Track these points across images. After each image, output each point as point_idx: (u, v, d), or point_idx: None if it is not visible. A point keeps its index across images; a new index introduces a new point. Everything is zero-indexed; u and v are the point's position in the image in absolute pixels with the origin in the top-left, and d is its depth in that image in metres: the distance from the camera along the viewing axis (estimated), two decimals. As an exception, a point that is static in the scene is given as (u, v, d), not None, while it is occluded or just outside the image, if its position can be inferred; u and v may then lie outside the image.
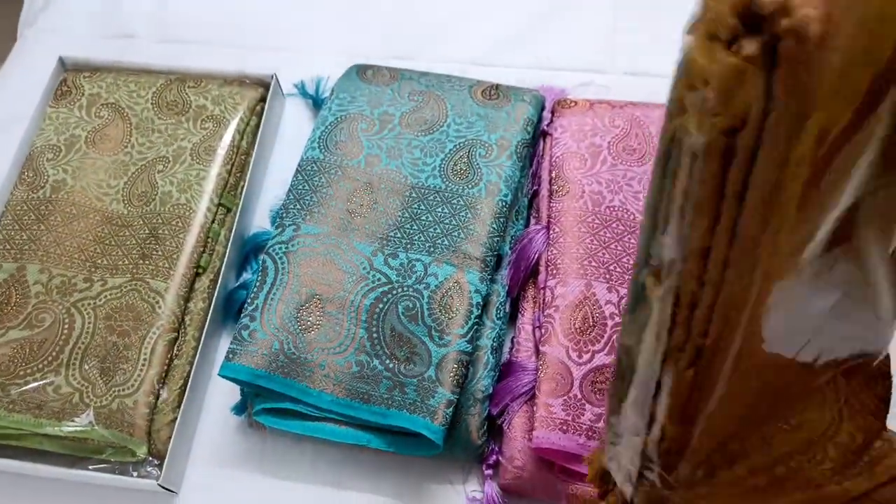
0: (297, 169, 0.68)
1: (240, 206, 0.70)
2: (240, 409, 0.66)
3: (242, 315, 0.62)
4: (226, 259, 0.68)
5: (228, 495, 0.65)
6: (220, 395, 0.68)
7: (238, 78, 0.75)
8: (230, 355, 0.60)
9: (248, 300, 0.63)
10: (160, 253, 0.67)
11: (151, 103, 0.73)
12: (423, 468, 0.65)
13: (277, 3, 0.85)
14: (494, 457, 0.64)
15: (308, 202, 0.66)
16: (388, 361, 0.61)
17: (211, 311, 0.66)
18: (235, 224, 0.69)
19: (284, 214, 0.66)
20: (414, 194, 0.67)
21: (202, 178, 0.70)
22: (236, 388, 0.65)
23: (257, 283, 0.63)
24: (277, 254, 0.64)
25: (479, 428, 0.62)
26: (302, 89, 0.78)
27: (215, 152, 0.71)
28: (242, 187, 0.71)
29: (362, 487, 0.65)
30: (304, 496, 0.64)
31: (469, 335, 0.61)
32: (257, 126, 0.74)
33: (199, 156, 0.71)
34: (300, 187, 0.67)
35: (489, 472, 0.64)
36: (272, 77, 0.75)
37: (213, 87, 0.74)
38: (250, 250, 0.72)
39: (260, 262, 0.65)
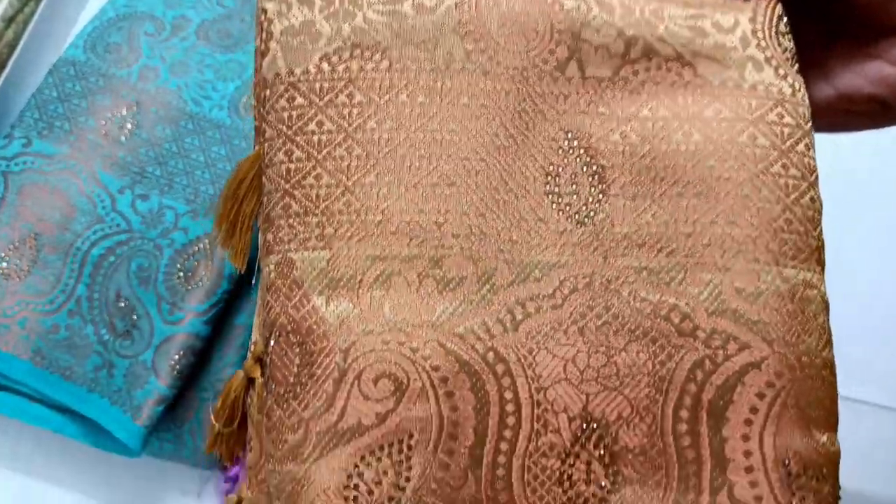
0: (49, 70, 0.53)
1: (-16, 108, 0.55)
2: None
3: (-77, 245, 0.48)
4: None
5: None
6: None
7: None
8: None
9: (-59, 226, 0.49)
10: None
11: None
12: (153, 467, 0.52)
13: None
14: (237, 469, 0.50)
15: (51, 112, 0.52)
16: (103, 331, 0.47)
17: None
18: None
19: (18, 123, 0.51)
20: (190, 125, 0.53)
21: (-61, 66, 0.55)
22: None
23: (-41, 205, 0.49)
24: (-6, 172, 0.50)
25: (218, 430, 0.48)
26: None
27: (-35, 35, 0.56)
28: (-5, 84, 0.56)
29: (72, 483, 0.51)
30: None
31: (209, 315, 0.47)
32: (34, 13, 0.58)
33: (-58, 37, 0.56)
34: (46, 93, 0.52)
35: (226, 486, 0.51)
36: (65, -46, 0.59)
37: (-14, -45, 0.59)
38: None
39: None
